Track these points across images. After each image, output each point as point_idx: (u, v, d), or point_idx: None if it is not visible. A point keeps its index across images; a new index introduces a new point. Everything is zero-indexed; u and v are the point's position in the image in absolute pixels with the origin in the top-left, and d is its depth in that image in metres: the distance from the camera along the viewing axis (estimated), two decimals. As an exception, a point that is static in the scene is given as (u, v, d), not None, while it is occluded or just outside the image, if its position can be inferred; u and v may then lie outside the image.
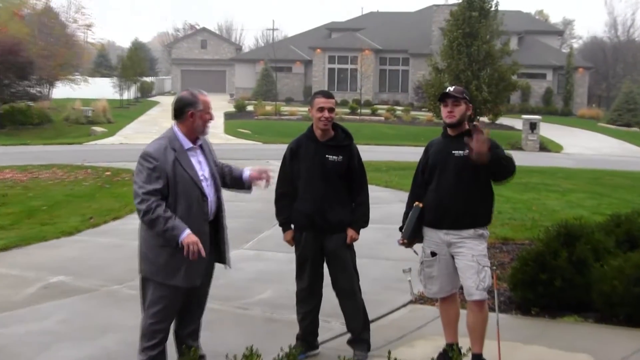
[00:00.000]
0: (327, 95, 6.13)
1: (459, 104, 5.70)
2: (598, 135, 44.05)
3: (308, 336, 6.29)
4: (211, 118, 5.36)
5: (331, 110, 6.02)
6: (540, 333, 6.84)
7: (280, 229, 6.33)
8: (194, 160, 5.31)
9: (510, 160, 5.61)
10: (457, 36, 38.21)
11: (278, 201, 6.27)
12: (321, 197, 6.02)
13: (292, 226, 6.24)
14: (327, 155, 6.03)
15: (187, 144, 5.31)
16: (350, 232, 6.10)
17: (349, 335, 6.31)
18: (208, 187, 5.33)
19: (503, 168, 5.58)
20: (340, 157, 6.05)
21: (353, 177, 6.13)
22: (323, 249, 6.11)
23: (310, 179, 6.05)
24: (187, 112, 5.28)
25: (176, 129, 5.33)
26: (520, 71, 42.31)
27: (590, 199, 16.44)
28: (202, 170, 5.35)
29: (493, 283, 5.67)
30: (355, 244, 6.23)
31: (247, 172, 5.75)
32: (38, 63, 40.86)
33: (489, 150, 5.42)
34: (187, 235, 5.01)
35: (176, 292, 5.25)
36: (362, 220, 6.18)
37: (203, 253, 5.05)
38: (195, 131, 5.33)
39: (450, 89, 5.78)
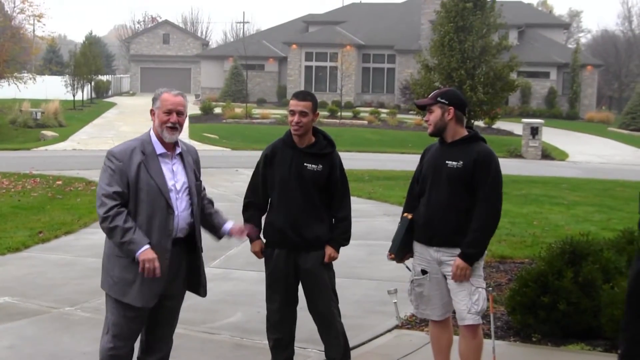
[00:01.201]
0: (300, 96, 6.08)
1: (432, 110, 5.76)
2: (608, 142, 44.41)
3: None
4: (172, 121, 5.27)
5: (303, 114, 5.96)
6: (541, 362, 6.88)
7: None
8: (165, 168, 5.31)
9: (488, 230, 5.65)
10: (449, 30, 38.34)
11: (245, 211, 6.28)
12: (297, 210, 6.01)
13: (262, 238, 6.24)
14: (305, 164, 6.01)
15: (160, 149, 5.32)
16: (329, 250, 6.09)
17: None
18: (178, 200, 5.31)
19: (489, 237, 5.73)
20: (320, 167, 6.03)
21: (334, 189, 6.12)
22: (297, 268, 6.10)
23: (285, 189, 6.04)
24: (150, 110, 5.39)
25: (151, 131, 5.38)
26: (520, 69, 42.59)
27: (599, 213, 16.56)
28: (174, 179, 5.32)
29: (489, 306, 5.70)
30: (334, 262, 6.24)
31: (229, 225, 5.71)
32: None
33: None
34: (145, 251, 5.04)
35: (132, 311, 5.26)
36: (342, 237, 6.18)
37: (158, 272, 5.07)
38: (159, 133, 5.33)
39: (430, 95, 5.86)
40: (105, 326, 5.39)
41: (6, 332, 7.68)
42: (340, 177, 6.16)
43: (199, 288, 5.62)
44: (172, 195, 5.28)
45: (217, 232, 5.72)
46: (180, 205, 5.32)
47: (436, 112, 5.73)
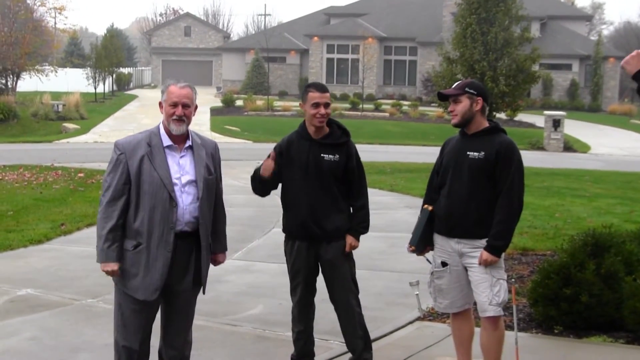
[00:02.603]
0: (321, 89, 6.10)
1: (459, 101, 5.72)
2: (631, 134, 44.10)
3: (303, 358, 6.31)
4: (177, 114, 5.23)
5: (327, 105, 6.01)
6: (564, 355, 6.86)
7: (279, 234, 6.35)
8: (171, 161, 5.28)
9: (512, 223, 5.63)
10: (471, 22, 38.17)
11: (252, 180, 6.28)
12: (316, 202, 6.03)
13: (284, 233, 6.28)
14: (322, 155, 6.04)
15: (167, 141, 5.31)
16: (349, 240, 6.11)
17: (349, 355, 6.33)
18: (183, 194, 5.28)
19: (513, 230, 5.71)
20: (337, 156, 6.05)
21: (351, 178, 6.14)
22: (318, 259, 6.13)
23: (305, 181, 6.05)
24: (159, 103, 5.40)
25: (161, 123, 5.39)
26: (542, 61, 42.35)
27: (622, 205, 16.47)
28: (180, 172, 5.29)
29: (511, 298, 5.68)
30: (355, 254, 6.26)
31: (216, 257, 5.71)
32: (1, 52, 40.81)
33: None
34: (105, 264, 5.24)
35: (136, 304, 5.31)
36: (361, 226, 6.20)
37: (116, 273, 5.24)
38: (166, 125, 5.32)
39: (454, 86, 5.81)
40: (115, 319, 5.45)
41: (28, 324, 7.74)
42: (357, 166, 6.18)
43: (199, 280, 5.51)
44: (177, 188, 5.25)
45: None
46: (186, 199, 5.28)
47: (464, 103, 5.70)
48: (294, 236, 6.17)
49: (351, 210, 6.22)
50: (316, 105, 5.99)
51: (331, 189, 6.06)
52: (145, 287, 5.24)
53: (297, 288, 6.23)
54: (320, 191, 6.04)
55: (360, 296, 8.30)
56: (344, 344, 6.41)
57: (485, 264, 5.53)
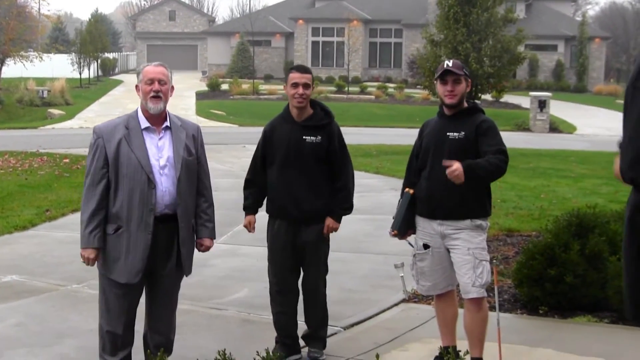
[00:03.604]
0: (302, 70, 6.17)
1: (460, 81, 5.70)
2: (617, 114, 43.56)
3: (285, 339, 6.31)
4: (154, 89, 5.25)
5: (306, 86, 6.04)
6: (548, 335, 6.88)
7: (265, 218, 6.37)
8: (150, 143, 5.29)
9: (493, 172, 5.48)
10: (454, 3, 38.10)
11: (245, 188, 6.40)
12: (297, 185, 6.07)
13: (257, 213, 6.37)
14: (304, 137, 6.06)
15: (145, 123, 5.32)
16: (329, 221, 6.14)
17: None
18: (162, 176, 5.27)
19: (485, 181, 5.61)
20: (319, 138, 6.08)
21: (333, 160, 6.15)
22: (296, 239, 6.16)
23: (285, 164, 6.09)
24: (135, 87, 5.42)
25: (139, 107, 5.40)
26: (527, 42, 42.35)
27: (607, 186, 16.51)
28: (158, 154, 5.30)
29: (493, 279, 5.69)
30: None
31: (202, 242, 5.67)
32: (-14, 38, 40.54)
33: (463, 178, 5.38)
34: (84, 249, 5.25)
35: (119, 288, 5.33)
36: (342, 207, 6.21)
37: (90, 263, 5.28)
38: (144, 107, 5.32)
39: (449, 63, 5.76)
40: (99, 305, 5.47)
41: (14, 310, 7.72)
42: (340, 147, 6.19)
43: (181, 263, 5.49)
44: (155, 170, 5.25)
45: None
46: (166, 181, 5.28)
47: (463, 84, 5.69)
48: (274, 216, 6.21)
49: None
50: (295, 85, 6.04)
51: (313, 171, 6.08)
52: (127, 270, 5.24)
53: (275, 267, 6.27)
54: (301, 173, 6.06)
55: (345, 279, 8.33)
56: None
57: (451, 171, 5.28)
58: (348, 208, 6.24)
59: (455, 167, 5.28)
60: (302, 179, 6.06)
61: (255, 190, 6.32)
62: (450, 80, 5.70)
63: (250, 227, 6.36)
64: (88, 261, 5.25)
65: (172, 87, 5.41)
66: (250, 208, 6.36)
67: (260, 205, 6.41)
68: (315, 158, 6.06)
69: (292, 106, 6.15)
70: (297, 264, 6.23)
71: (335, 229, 6.20)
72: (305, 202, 6.06)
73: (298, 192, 6.06)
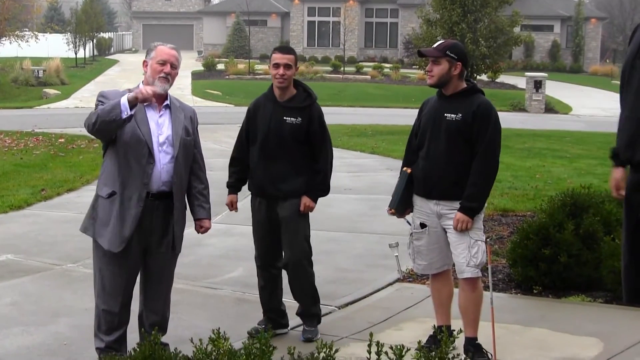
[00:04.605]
0: (284, 50, 6.23)
1: (438, 63, 5.67)
2: (613, 95, 43.79)
3: (269, 313, 6.41)
4: (165, 71, 5.30)
5: (287, 67, 6.08)
6: (542, 315, 6.88)
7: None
8: (151, 119, 5.34)
9: (489, 185, 5.68)
10: (449, -17, 37.94)
11: (230, 166, 6.47)
12: (275, 164, 6.14)
13: (240, 191, 6.45)
14: (284, 117, 6.12)
15: None
16: (305, 200, 6.18)
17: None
18: (161, 153, 5.34)
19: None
20: (299, 119, 6.13)
21: (313, 141, 6.20)
22: (276, 216, 6.22)
23: (265, 143, 6.16)
24: (143, 62, 5.42)
25: (141, 83, 5.43)
26: (523, 22, 42.20)
27: (602, 166, 16.47)
28: (159, 131, 5.36)
29: (487, 259, 5.69)
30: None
31: (200, 223, 5.69)
32: (-20, 17, 40.29)
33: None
34: (127, 94, 5.06)
35: (114, 266, 5.33)
36: (319, 188, 6.26)
37: (152, 99, 5.09)
38: (149, 84, 5.33)
39: (435, 45, 5.75)
40: (95, 284, 5.49)
41: (8, 289, 7.72)
42: (320, 129, 6.23)
43: (172, 241, 5.51)
44: (155, 146, 5.31)
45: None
46: (164, 158, 5.35)
47: (443, 65, 5.65)
48: (254, 194, 6.32)
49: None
50: (276, 65, 6.10)
51: (291, 151, 6.14)
52: (112, 238, 5.26)
53: (257, 243, 6.38)
54: (281, 154, 6.13)
55: (340, 258, 8.32)
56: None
57: (459, 224, 5.52)
58: (324, 190, 6.29)
59: (460, 222, 5.51)
60: (281, 158, 6.13)
61: (240, 168, 6.38)
62: (431, 61, 5.70)
63: (232, 206, 6.44)
64: (146, 89, 5.05)
65: (178, 72, 5.47)
66: (233, 187, 6.43)
67: (244, 184, 6.47)
68: (295, 139, 6.12)
69: (274, 86, 6.21)
70: (277, 241, 6.29)
71: (311, 208, 6.24)
72: (283, 181, 6.13)
73: (276, 172, 6.13)
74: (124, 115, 5.00)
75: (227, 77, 45.97)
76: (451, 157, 5.63)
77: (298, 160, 6.17)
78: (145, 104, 5.14)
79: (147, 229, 5.32)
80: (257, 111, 6.28)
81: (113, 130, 5.19)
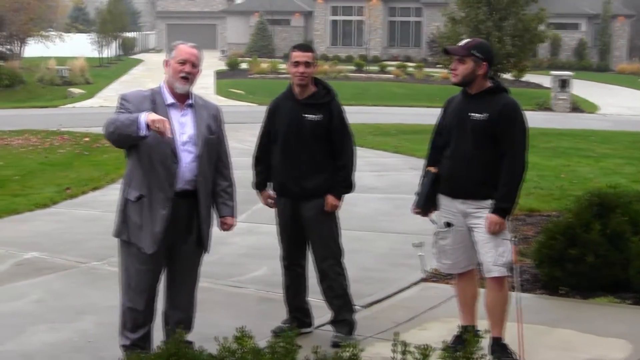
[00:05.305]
0: (304, 48, 6.24)
1: (463, 61, 5.65)
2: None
3: (294, 312, 6.42)
4: (186, 70, 5.30)
5: (307, 64, 6.07)
6: (569, 315, 6.85)
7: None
8: (173, 119, 5.33)
9: (518, 184, 5.63)
10: (475, -19, 37.76)
11: (254, 165, 6.46)
12: (297, 162, 6.13)
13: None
14: (304, 115, 6.11)
15: (170, 99, 5.37)
16: (329, 199, 6.16)
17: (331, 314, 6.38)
18: (184, 152, 5.34)
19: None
20: (320, 116, 6.12)
21: (334, 138, 6.18)
22: (300, 216, 6.22)
23: (286, 142, 6.16)
24: (164, 61, 5.43)
25: (163, 83, 5.44)
26: (549, 21, 41.91)
27: (629, 166, 16.39)
28: (181, 130, 5.36)
29: (514, 258, 5.65)
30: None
31: (225, 220, 5.71)
32: (7, 18, 40.58)
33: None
34: (148, 114, 5.03)
35: (142, 262, 5.35)
36: (342, 185, 6.23)
37: (168, 132, 5.03)
38: (170, 84, 5.36)
39: (461, 43, 5.72)
40: (121, 282, 5.51)
41: (34, 287, 7.78)
42: (340, 125, 6.22)
43: (200, 239, 5.55)
44: (178, 146, 5.31)
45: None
46: (187, 157, 5.35)
47: (468, 65, 5.63)
48: (278, 194, 6.32)
49: None
50: (296, 63, 6.09)
51: (312, 148, 6.13)
52: (148, 239, 5.28)
53: (282, 243, 6.39)
54: (302, 151, 6.12)
55: (364, 257, 8.31)
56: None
57: (492, 226, 5.49)
58: (348, 186, 6.27)
59: (493, 224, 5.49)
60: (302, 156, 6.12)
61: (264, 167, 6.38)
62: (455, 59, 5.67)
63: (268, 202, 6.44)
64: (162, 122, 5.00)
65: (199, 71, 5.46)
66: (261, 184, 6.44)
67: (270, 181, 6.46)
68: (315, 136, 6.11)
69: (294, 84, 6.20)
70: (302, 240, 6.30)
71: (336, 207, 6.22)
72: (305, 179, 6.12)
73: (298, 170, 6.13)
74: (141, 134, 5.02)
75: (251, 76, 46.03)
76: (477, 157, 5.60)
77: (320, 158, 6.16)
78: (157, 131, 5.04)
79: (172, 228, 5.33)
80: (277, 110, 6.29)
81: (129, 144, 5.24)
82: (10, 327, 6.56)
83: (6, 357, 5.76)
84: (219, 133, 5.61)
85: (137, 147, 5.25)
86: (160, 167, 5.25)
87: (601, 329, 6.44)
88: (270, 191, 6.40)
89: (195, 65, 5.37)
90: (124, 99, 5.34)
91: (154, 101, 5.31)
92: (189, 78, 5.34)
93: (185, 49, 5.37)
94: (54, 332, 6.50)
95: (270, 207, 6.46)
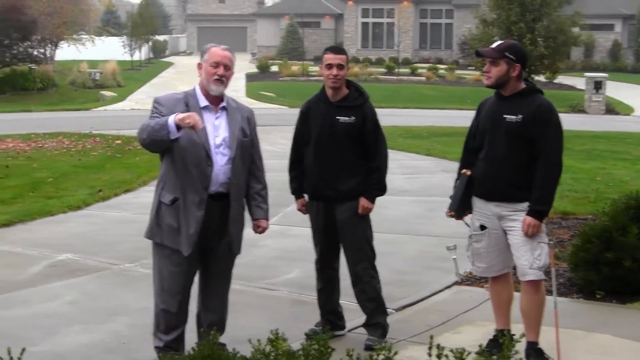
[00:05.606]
0: (336, 50, 6.23)
1: (497, 63, 5.61)
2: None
3: (327, 315, 6.41)
4: (219, 74, 5.31)
5: (340, 67, 6.07)
6: (605, 320, 6.78)
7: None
8: (206, 121, 5.34)
9: (554, 185, 5.58)
10: (508, -18, 37.52)
11: (290, 170, 6.45)
12: (330, 165, 6.12)
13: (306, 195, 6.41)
14: (337, 117, 6.10)
15: (204, 102, 5.39)
16: (362, 201, 6.14)
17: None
18: (218, 154, 5.34)
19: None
20: (353, 118, 6.11)
21: (367, 140, 6.16)
22: (334, 219, 6.20)
23: (319, 144, 6.16)
24: (198, 64, 5.45)
25: (197, 85, 5.47)
26: (583, 22, 41.60)
27: (669, 169, 16.22)
28: (215, 133, 5.37)
29: (550, 262, 5.60)
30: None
31: (257, 223, 5.70)
32: (40, 21, 41.01)
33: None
34: (175, 115, 5.06)
35: (176, 264, 5.36)
36: (375, 188, 6.21)
37: (199, 124, 5.03)
38: (205, 86, 5.38)
39: (494, 45, 5.68)
40: (154, 283, 5.53)
41: (68, 288, 7.84)
42: (373, 127, 6.20)
43: (231, 241, 5.54)
44: (212, 149, 5.31)
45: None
46: (221, 160, 5.35)
47: (501, 67, 5.59)
48: (311, 197, 6.31)
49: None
50: (329, 66, 6.08)
51: (345, 151, 6.12)
52: (183, 241, 5.30)
53: (316, 247, 6.39)
54: (335, 154, 6.11)
55: (396, 260, 8.28)
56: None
57: (529, 229, 5.45)
58: (381, 189, 6.24)
59: (530, 227, 5.44)
60: (335, 158, 6.11)
61: (300, 171, 6.36)
62: (488, 62, 5.64)
63: (304, 209, 6.44)
64: (191, 116, 5.01)
65: (233, 72, 5.47)
66: (298, 190, 6.42)
67: None
68: (349, 138, 6.10)
69: (327, 86, 6.19)
70: (336, 243, 6.29)
71: (370, 209, 6.20)
72: (338, 181, 6.10)
73: (331, 172, 6.12)
74: (171, 137, 5.04)
75: (281, 78, 46.19)
76: (511, 159, 5.56)
77: (353, 160, 6.15)
78: (190, 127, 5.07)
79: (206, 230, 5.34)
80: (310, 112, 6.28)
81: (162, 148, 5.26)
82: (44, 328, 6.61)
83: (40, 358, 5.79)
84: (253, 136, 5.61)
85: (171, 150, 5.26)
86: (194, 170, 5.26)
87: (638, 334, 6.35)
88: (306, 197, 6.40)
89: (228, 67, 5.38)
90: (157, 102, 5.36)
91: (187, 104, 5.32)
92: (223, 80, 5.35)
93: (217, 51, 5.38)
94: (87, 333, 6.54)
95: (304, 213, 6.46)
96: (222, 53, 5.39)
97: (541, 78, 40.67)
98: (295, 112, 6.46)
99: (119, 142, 20.40)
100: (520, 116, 5.53)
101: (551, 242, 5.63)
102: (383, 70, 48.84)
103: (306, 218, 6.46)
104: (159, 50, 64.48)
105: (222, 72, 5.34)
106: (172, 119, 5.03)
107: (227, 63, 5.37)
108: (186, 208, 5.28)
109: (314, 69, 48.91)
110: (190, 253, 5.32)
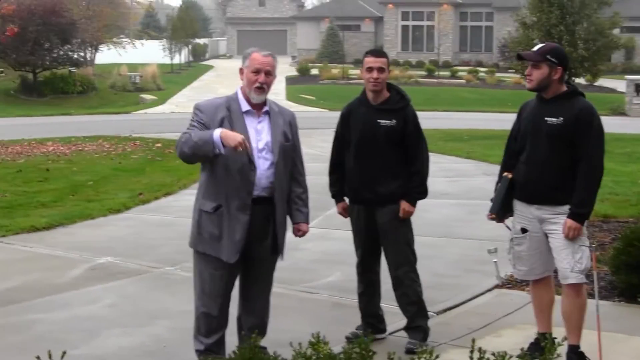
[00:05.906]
0: (377, 54, 6.23)
1: (538, 67, 5.58)
2: None
3: (368, 318, 6.40)
4: (260, 80, 5.26)
5: (381, 70, 6.06)
6: (648, 324, 6.70)
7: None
8: (249, 126, 5.33)
9: (596, 187, 5.54)
10: (547, -15, 37.26)
11: (330, 173, 6.45)
12: (371, 168, 6.11)
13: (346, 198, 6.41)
14: (378, 120, 6.09)
15: (246, 106, 5.36)
16: (403, 205, 6.12)
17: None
18: (260, 159, 5.32)
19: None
20: (394, 122, 6.09)
21: (408, 143, 6.14)
22: (375, 223, 6.20)
23: (360, 147, 6.15)
24: (239, 69, 5.44)
25: (239, 89, 5.44)
26: (622, 24, 41.16)
27: None
28: (257, 137, 5.35)
29: (592, 265, 5.56)
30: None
31: (298, 227, 5.70)
32: (80, 25, 41.47)
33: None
34: (220, 131, 5.03)
35: (217, 268, 5.37)
36: (416, 191, 6.19)
37: (241, 147, 4.97)
38: (246, 93, 5.37)
39: (535, 48, 5.65)
40: (195, 286, 5.54)
41: (108, 291, 7.90)
42: (414, 130, 6.18)
43: (276, 245, 5.54)
44: (255, 153, 5.30)
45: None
46: (263, 164, 5.33)
47: (543, 70, 5.56)
48: (352, 200, 6.31)
49: None
50: (370, 69, 6.07)
51: (386, 154, 6.10)
52: (228, 249, 5.30)
53: (357, 250, 6.39)
54: (375, 156, 6.10)
55: (437, 264, 8.25)
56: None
57: (570, 231, 5.41)
58: (422, 192, 6.22)
59: (571, 229, 5.40)
60: (376, 162, 6.09)
61: (341, 175, 6.36)
62: (530, 65, 5.61)
63: (345, 213, 6.43)
64: (235, 136, 4.99)
65: (275, 77, 5.45)
66: (339, 194, 6.43)
67: None
68: (390, 141, 6.08)
69: (367, 90, 6.18)
70: (377, 246, 6.28)
71: (411, 213, 6.18)
72: (379, 184, 6.09)
73: (372, 175, 6.10)
74: (216, 152, 5.04)
75: (321, 82, 46.29)
76: (553, 162, 5.53)
77: (393, 163, 6.14)
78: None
79: (248, 234, 5.32)
80: (351, 115, 6.28)
81: (203, 161, 5.28)
82: (84, 331, 6.66)
83: (81, 360, 5.86)
84: (295, 140, 5.58)
85: (216, 159, 5.22)
86: (237, 176, 5.25)
87: (682, 338, 6.29)
88: (347, 200, 6.41)
89: (269, 73, 5.32)
90: (197, 109, 5.35)
91: (229, 108, 5.31)
92: (264, 88, 5.31)
93: (258, 57, 5.33)
94: (127, 336, 6.58)
95: (344, 217, 6.47)
96: (263, 59, 5.33)
97: (582, 81, 40.29)
98: (336, 115, 6.46)
99: (159, 145, 20.57)
100: (561, 119, 5.50)
101: (592, 245, 5.59)
102: (423, 73, 48.76)
103: (347, 221, 6.46)
104: (198, 54, 64.88)
105: (263, 79, 5.28)
106: (217, 135, 5.01)
107: (268, 69, 5.32)
108: (230, 214, 5.27)
109: (354, 72, 48.97)
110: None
